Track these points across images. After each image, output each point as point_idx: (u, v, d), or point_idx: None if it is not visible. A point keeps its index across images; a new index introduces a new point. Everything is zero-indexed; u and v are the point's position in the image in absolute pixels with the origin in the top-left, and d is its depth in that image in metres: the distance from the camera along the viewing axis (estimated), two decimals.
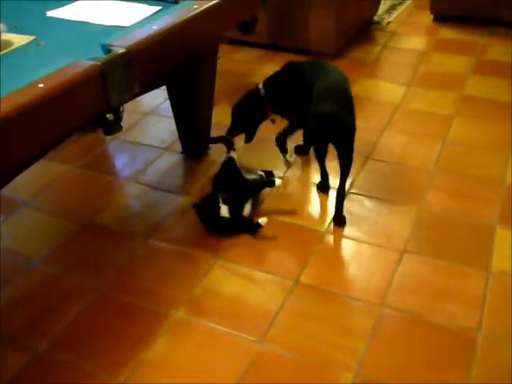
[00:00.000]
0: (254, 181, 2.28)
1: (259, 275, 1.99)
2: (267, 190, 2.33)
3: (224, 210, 2.13)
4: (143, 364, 1.69)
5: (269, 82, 2.38)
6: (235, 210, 2.14)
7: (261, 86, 2.38)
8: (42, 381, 1.66)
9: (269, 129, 2.49)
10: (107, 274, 2.01)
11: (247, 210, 2.17)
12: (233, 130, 2.43)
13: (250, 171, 2.32)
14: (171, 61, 1.87)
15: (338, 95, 2.14)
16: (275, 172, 2.42)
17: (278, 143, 2.52)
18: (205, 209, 2.20)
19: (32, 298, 1.94)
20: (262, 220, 2.14)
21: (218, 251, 2.08)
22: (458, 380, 1.63)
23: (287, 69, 2.38)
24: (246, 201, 2.16)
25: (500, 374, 1.64)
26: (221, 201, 2.13)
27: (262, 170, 2.36)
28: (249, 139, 2.45)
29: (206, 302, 1.89)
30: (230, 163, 2.31)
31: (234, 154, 2.32)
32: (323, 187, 2.36)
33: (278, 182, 2.29)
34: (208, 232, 2.17)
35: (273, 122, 2.44)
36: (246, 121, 2.43)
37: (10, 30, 1.75)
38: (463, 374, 1.64)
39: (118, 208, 2.38)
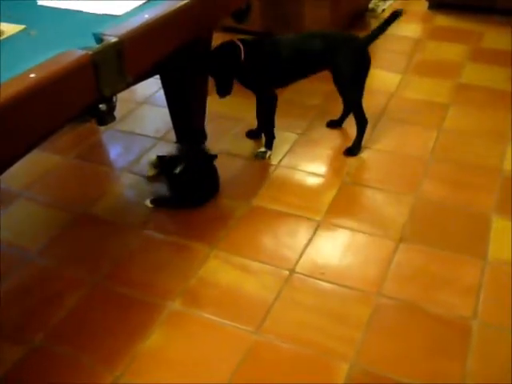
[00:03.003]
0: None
1: (255, 265, 1.98)
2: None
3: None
4: (139, 356, 1.68)
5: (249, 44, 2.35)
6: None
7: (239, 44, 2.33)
8: (39, 373, 1.66)
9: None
10: (103, 266, 1.99)
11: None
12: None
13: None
14: (164, 50, 1.85)
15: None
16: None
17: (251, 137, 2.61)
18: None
19: (28, 290, 1.93)
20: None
21: (213, 241, 2.07)
22: (454, 369, 1.63)
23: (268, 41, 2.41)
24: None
25: (496, 363, 1.65)
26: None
27: None
28: (221, 92, 2.35)
29: (201, 292, 1.89)
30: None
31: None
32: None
33: None
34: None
35: None
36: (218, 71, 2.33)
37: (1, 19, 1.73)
38: (460, 362, 1.64)
39: (113, 198, 2.37)
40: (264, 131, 2.54)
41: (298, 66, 2.41)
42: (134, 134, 2.73)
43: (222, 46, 2.32)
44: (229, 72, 2.32)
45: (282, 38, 2.43)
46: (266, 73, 2.38)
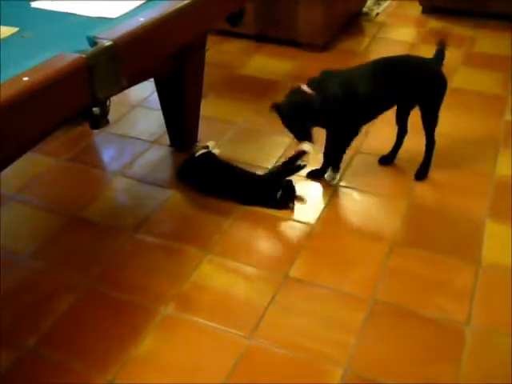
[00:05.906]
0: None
1: (248, 270, 1.97)
2: None
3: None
4: (132, 361, 1.67)
5: None
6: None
7: None
8: (31, 378, 1.64)
9: (257, 122, 2.47)
10: (95, 269, 1.98)
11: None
12: None
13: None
14: (159, 53, 1.85)
15: None
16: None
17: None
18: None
19: (19, 294, 1.91)
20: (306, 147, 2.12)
21: (207, 246, 2.06)
22: (447, 373, 1.63)
23: None
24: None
25: (489, 367, 1.65)
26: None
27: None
28: (302, 139, 2.14)
29: (194, 297, 1.88)
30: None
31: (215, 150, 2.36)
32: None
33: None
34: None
35: None
36: None
37: None
38: (453, 366, 1.64)
39: (106, 202, 2.36)
40: (333, 162, 2.35)
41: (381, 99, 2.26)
42: (127, 137, 2.71)
43: (292, 96, 2.10)
44: (304, 123, 2.11)
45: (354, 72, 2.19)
46: (346, 114, 2.17)
